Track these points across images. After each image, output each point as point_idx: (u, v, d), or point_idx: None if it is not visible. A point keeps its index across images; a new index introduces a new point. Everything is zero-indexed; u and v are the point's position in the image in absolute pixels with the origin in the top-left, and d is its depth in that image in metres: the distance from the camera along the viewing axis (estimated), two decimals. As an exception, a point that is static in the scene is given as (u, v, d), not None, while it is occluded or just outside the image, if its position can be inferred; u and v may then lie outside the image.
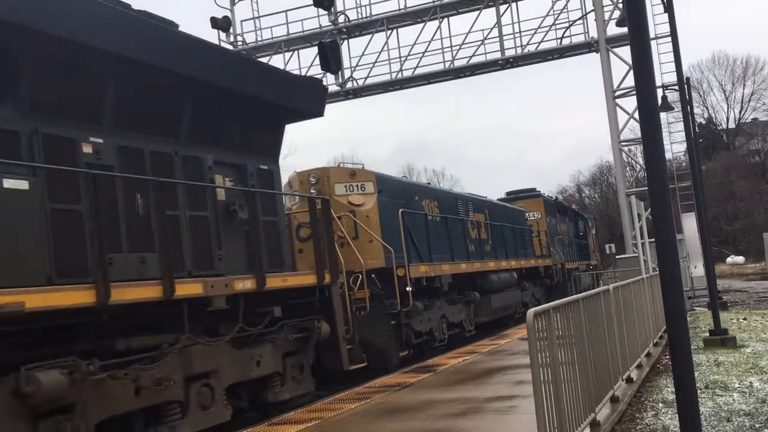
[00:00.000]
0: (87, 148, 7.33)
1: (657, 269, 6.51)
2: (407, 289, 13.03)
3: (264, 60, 27.69)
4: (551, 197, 31.11)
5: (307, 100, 10.93)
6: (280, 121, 10.68)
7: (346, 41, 27.26)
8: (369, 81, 26.97)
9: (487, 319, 17.64)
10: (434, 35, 26.20)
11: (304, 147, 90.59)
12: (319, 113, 11.31)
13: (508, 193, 28.02)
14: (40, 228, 6.58)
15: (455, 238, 16.60)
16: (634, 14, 5.19)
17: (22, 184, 6.42)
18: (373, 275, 12.51)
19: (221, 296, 8.25)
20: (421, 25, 26.36)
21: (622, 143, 24.99)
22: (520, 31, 25.55)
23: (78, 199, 7.04)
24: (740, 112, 76.68)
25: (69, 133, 7.21)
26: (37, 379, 6.15)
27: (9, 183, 6.24)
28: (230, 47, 27.73)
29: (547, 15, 25.38)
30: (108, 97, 7.66)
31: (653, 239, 10.01)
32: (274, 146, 10.54)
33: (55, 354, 6.57)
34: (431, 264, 14.68)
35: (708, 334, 14.88)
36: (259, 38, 28.08)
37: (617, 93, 24.18)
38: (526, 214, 24.24)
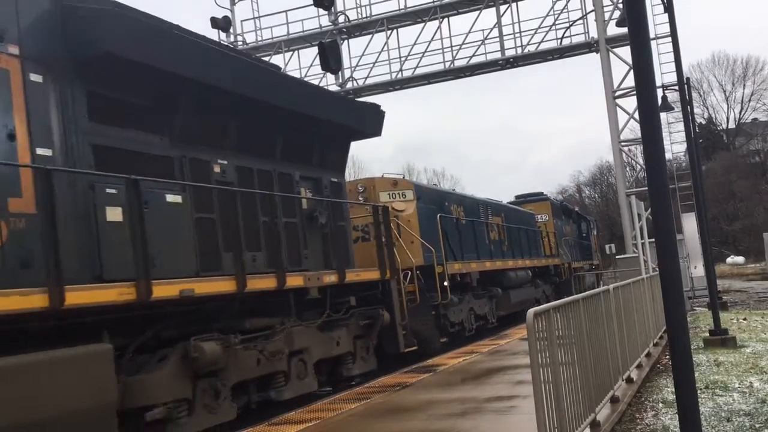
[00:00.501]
0: (216, 168, 9.20)
1: (657, 269, 6.51)
2: (445, 284, 14.77)
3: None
4: (557, 201, 32.92)
5: (369, 122, 12.90)
6: (347, 141, 12.55)
7: (346, 41, 27.29)
8: (369, 81, 27.01)
9: (505, 313, 19.26)
10: (434, 35, 26.26)
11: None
12: (378, 133, 13.22)
13: (517, 197, 29.52)
14: (189, 232, 8.33)
15: (479, 239, 18.30)
16: (634, 14, 5.19)
17: (177, 198, 8.19)
18: (417, 272, 14.02)
19: (315, 287, 10.19)
20: (421, 25, 26.40)
21: (622, 143, 25.02)
22: (520, 31, 25.61)
23: (212, 209, 8.83)
24: (740, 112, 76.76)
25: (205, 156, 9.02)
26: (202, 348, 7.94)
27: (170, 198, 8.08)
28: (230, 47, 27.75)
29: (547, 15, 25.42)
30: (230, 128, 9.50)
31: (653, 239, 10.01)
32: (342, 162, 12.52)
33: (199, 330, 8.16)
34: (463, 262, 16.47)
35: (708, 334, 14.88)
36: (259, 38, 28.12)
37: (617, 93, 24.21)
38: (536, 217, 25.52)
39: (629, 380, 9.37)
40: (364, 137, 13.29)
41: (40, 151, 6.85)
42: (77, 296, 6.43)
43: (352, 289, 11.42)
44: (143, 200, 7.43)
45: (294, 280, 9.68)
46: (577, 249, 31.32)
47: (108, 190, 7.31)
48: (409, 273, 13.62)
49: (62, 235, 6.51)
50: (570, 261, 28.00)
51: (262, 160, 10.09)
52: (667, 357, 11.15)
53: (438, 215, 15.72)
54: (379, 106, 13.33)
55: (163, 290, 7.40)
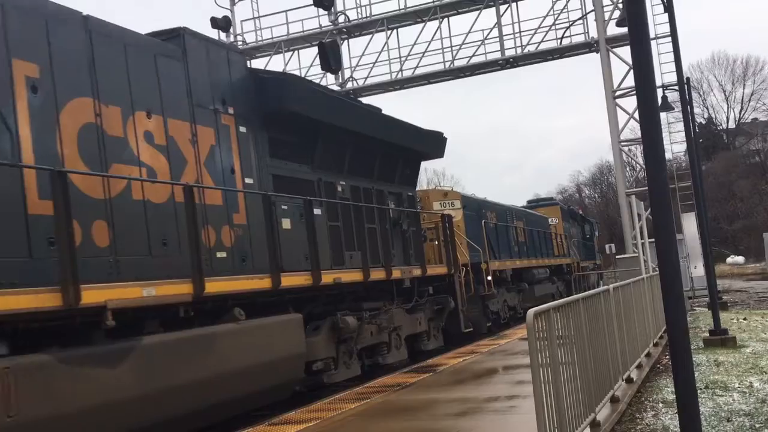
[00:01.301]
0: (339, 188, 12.06)
1: (657, 269, 6.51)
2: (488, 278, 17.65)
3: (264, 60, 27.79)
4: (565, 205, 36.35)
5: (435, 147, 15.85)
6: (419, 162, 15.63)
7: (346, 41, 27.29)
8: (369, 81, 27.01)
9: (530, 305, 20.13)
10: (434, 35, 26.26)
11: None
12: (441, 156, 16.25)
13: (529, 202, 32.77)
14: (326, 236, 11.05)
15: (510, 241, 21.25)
16: (634, 14, 5.19)
17: (319, 211, 10.95)
18: (468, 268, 16.53)
19: (407, 279, 13.17)
20: (421, 25, 26.39)
21: (622, 143, 25.02)
22: (520, 31, 25.61)
23: (338, 219, 11.63)
24: (740, 112, 76.74)
25: (332, 179, 11.87)
26: (346, 320, 10.98)
27: (317, 211, 10.80)
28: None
29: (547, 15, 25.42)
30: (346, 157, 12.32)
31: (653, 239, 10.00)
32: (415, 179, 15.66)
33: (334, 309, 11.06)
34: (500, 261, 19.39)
35: (708, 334, 14.88)
36: (259, 38, 28.12)
37: (617, 93, 24.21)
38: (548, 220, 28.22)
39: (629, 380, 9.37)
40: (431, 159, 16.31)
41: (247, 180, 9.75)
42: (286, 281, 9.49)
43: (428, 281, 14.33)
44: (301, 213, 10.41)
45: (396, 273, 12.65)
46: (582, 249, 33.57)
47: (282, 207, 10.15)
48: (463, 269, 16.05)
49: (259, 238, 9.39)
50: (579, 260, 30.70)
51: (365, 180, 13.00)
52: (667, 357, 11.15)
53: (482, 221, 18.68)
54: (442, 134, 15.98)
55: (326, 278, 10.45)
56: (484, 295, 17.54)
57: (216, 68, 9.47)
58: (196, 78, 9.07)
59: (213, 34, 26.60)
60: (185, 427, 7.85)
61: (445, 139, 16.08)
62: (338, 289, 11.13)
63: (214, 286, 8.22)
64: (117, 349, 6.91)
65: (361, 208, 12.30)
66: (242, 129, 9.72)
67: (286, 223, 10.11)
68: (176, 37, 8.97)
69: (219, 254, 8.81)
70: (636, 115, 15.61)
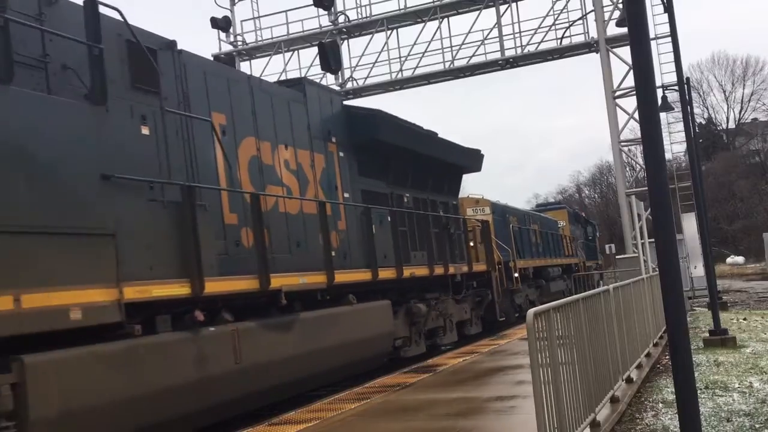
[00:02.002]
0: (405, 199, 14.57)
1: (657, 269, 6.51)
2: (515, 275, 20.10)
3: (264, 60, 27.79)
4: (571, 208, 38.59)
5: (474, 162, 18.58)
6: (461, 175, 18.26)
7: (346, 41, 27.28)
8: (369, 81, 27.00)
9: (546, 300, 24.17)
10: (434, 35, 26.25)
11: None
12: (478, 170, 18.84)
13: (538, 205, 35.81)
14: (394, 240, 13.08)
15: (530, 242, 23.73)
16: (634, 14, 5.19)
17: (387, 219, 13.10)
18: (500, 266, 18.76)
19: (458, 274, 15.63)
20: (421, 25, 26.38)
21: (622, 143, 25.00)
22: (520, 32, 25.59)
23: (405, 224, 13.92)
24: (740, 112, 76.74)
25: (400, 192, 14.40)
26: (418, 306, 13.62)
27: (388, 219, 13.13)
28: (230, 47, 27.78)
29: (547, 15, 25.41)
30: (410, 173, 14.86)
31: (653, 239, 10.00)
32: (458, 190, 18.25)
33: (405, 298, 13.54)
34: (524, 260, 21.89)
35: (708, 334, 14.87)
36: (259, 38, 28.11)
37: (617, 93, 24.19)
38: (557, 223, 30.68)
39: (629, 380, 9.37)
40: (471, 172, 18.94)
41: (345, 194, 12.25)
42: (382, 274, 12.19)
43: (472, 276, 16.75)
44: (381, 220, 12.72)
45: (451, 269, 15.24)
46: (585, 250, 35.96)
47: (372, 215, 12.45)
48: (498, 266, 18.58)
49: (353, 240, 11.93)
50: (584, 260, 33.53)
51: (422, 192, 15.50)
52: (667, 357, 11.14)
53: (510, 225, 21.34)
54: (480, 151, 18.78)
55: (407, 272, 13.05)
56: (512, 289, 20.05)
57: (324, 107, 12.19)
58: (312, 116, 11.75)
59: (213, 34, 26.66)
60: (324, 381, 10.73)
61: (483, 155, 18.80)
62: (409, 281, 13.43)
63: (340, 277, 10.87)
64: (288, 320, 9.69)
65: (422, 215, 14.92)
66: (341, 154, 12.42)
67: (374, 228, 12.56)
68: (299, 84, 11.97)
69: (333, 254, 11.12)
70: (636, 115, 15.61)
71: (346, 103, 13.32)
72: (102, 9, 7.50)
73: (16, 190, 6.18)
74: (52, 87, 6.94)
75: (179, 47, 8.87)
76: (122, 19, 7.72)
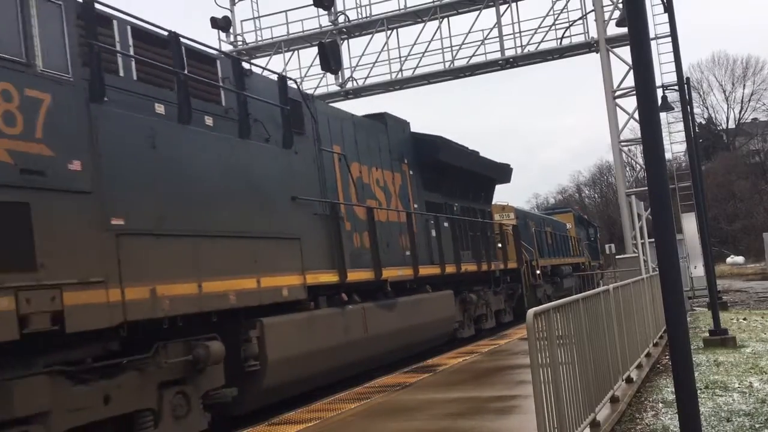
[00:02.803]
0: (455, 208, 17.14)
1: (657, 269, 6.51)
2: (537, 272, 23.43)
3: (264, 60, 27.74)
4: (577, 212, 42.04)
5: (504, 175, 21.26)
6: (493, 186, 20.98)
7: (346, 41, 27.25)
8: (369, 81, 26.96)
9: (561, 295, 27.44)
10: (434, 35, 26.21)
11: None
12: (508, 181, 21.55)
13: (547, 209, 40.29)
14: (453, 242, 16.09)
15: (546, 243, 26.94)
16: (634, 14, 5.18)
17: (446, 224, 15.96)
18: (527, 264, 22.08)
19: (497, 270, 18.75)
20: (421, 25, 26.35)
21: (622, 143, 24.98)
22: (520, 31, 25.55)
23: (457, 229, 16.52)
24: (740, 112, 76.78)
25: (451, 202, 17.03)
26: (471, 296, 16.65)
27: (445, 225, 15.87)
28: (230, 47, 27.77)
29: (547, 15, 25.37)
30: (457, 186, 17.54)
31: (653, 239, 10.00)
32: (491, 199, 21.01)
33: (460, 289, 16.43)
34: (544, 259, 25.29)
35: (708, 334, 14.87)
36: (259, 38, 28.09)
37: (617, 93, 24.17)
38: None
39: (629, 380, 9.37)
40: (501, 183, 21.47)
41: (415, 205, 14.81)
42: (447, 269, 15.41)
43: (506, 272, 19.76)
44: (443, 226, 15.77)
45: (493, 266, 18.38)
46: (589, 250, 39.11)
47: (430, 222, 15.22)
48: (525, 264, 21.57)
49: (420, 242, 14.38)
50: (590, 259, 36.93)
51: (465, 201, 18.12)
52: (667, 357, 11.15)
53: (533, 228, 24.68)
54: (509, 165, 21.59)
55: (464, 267, 16.33)
56: (535, 284, 23.02)
57: (399, 135, 14.92)
58: (391, 143, 14.48)
59: (213, 34, 26.62)
60: (411, 351, 13.81)
61: (512, 169, 21.63)
62: (461, 276, 16.34)
63: (422, 271, 14.11)
64: (393, 302, 12.82)
65: (468, 221, 17.62)
66: (411, 172, 15.08)
67: (433, 233, 15.27)
68: (381, 117, 14.51)
69: (407, 252, 13.86)
70: (636, 115, 15.60)
71: (413, 131, 15.81)
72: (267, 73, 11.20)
73: (253, 209, 9.29)
74: (252, 136, 9.72)
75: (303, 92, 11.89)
76: (289, 85, 10.93)
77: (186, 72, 8.44)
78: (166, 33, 8.49)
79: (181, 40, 8.58)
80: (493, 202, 22.11)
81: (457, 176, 17.21)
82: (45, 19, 6.86)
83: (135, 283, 7.21)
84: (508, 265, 19.75)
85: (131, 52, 8.05)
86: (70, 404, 6.50)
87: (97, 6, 7.49)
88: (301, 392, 10.12)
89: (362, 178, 12.84)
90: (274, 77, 10.78)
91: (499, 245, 19.67)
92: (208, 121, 8.90)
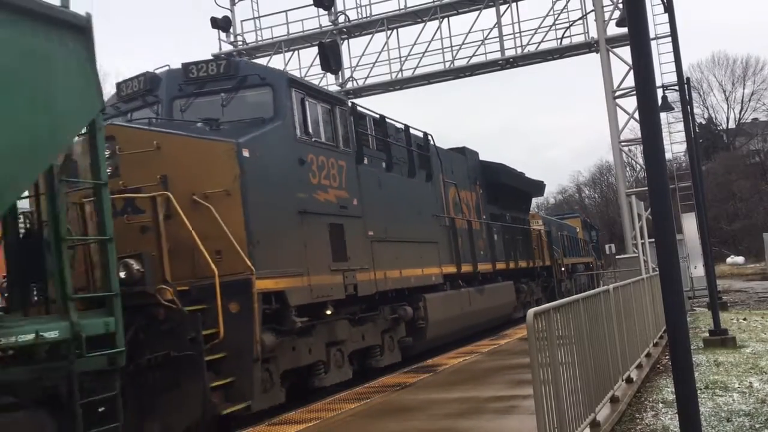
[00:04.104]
0: (507, 217, 20.49)
1: (657, 269, 6.51)
2: (563, 269, 27.12)
3: (264, 60, 27.73)
4: (582, 216, 46.70)
5: (539, 189, 25.78)
6: (531, 198, 25.33)
7: (346, 41, 27.25)
8: (369, 81, 26.95)
9: (577, 291, 29.13)
10: (434, 35, 26.18)
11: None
12: (542, 195, 28.81)
13: (557, 215, 42.87)
14: (509, 244, 19.97)
15: (564, 245, 30.26)
16: (634, 14, 5.19)
17: (503, 231, 19.65)
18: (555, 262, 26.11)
19: (537, 267, 22.65)
20: (421, 25, 26.33)
21: (622, 143, 24.96)
22: (520, 31, 25.53)
23: (506, 235, 19.78)
24: (740, 112, 76.66)
25: (505, 213, 20.45)
26: (522, 286, 20.74)
27: (495, 228, 19.01)
28: (230, 47, 27.77)
29: (547, 15, 25.36)
30: (509, 199, 20.84)
31: (653, 239, 10.00)
32: (529, 208, 24.72)
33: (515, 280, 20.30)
34: (566, 258, 29.08)
35: (708, 334, 14.87)
36: (259, 38, 28.07)
37: (617, 93, 24.15)
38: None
39: (629, 380, 9.37)
40: (536, 197, 27.65)
41: (483, 216, 18.23)
42: (511, 264, 19.74)
43: (542, 269, 23.69)
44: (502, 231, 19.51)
45: (537, 263, 22.66)
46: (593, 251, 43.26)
47: (494, 228, 18.81)
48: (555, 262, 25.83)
49: (488, 244, 18.11)
50: (595, 259, 40.47)
51: (513, 212, 21.52)
52: (667, 357, 11.14)
53: (558, 232, 29.51)
54: (543, 181, 25.84)
55: (520, 264, 20.49)
56: (560, 279, 26.36)
57: (472, 162, 18.76)
58: (468, 169, 18.18)
59: (213, 34, 26.58)
60: (487, 326, 17.36)
61: (545, 185, 26.29)
62: (515, 270, 19.94)
63: (498, 266, 18.36)
64: (482, 288, 16.94)
65: (517, 228, 21.33)
66: (480, 191, 18.69)
67: (496, 237, 18.89)
68: (461, 149, 18.36)
69: (481, 252, 17.36)
70: (636, 115, 15.61)
71: (481, 159, 19.65)
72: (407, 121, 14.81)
73: (418, 224, 13.95)
74: (413, 175, 14.31)
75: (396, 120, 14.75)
76: (421, 134, 15.36)
77: (389, 140, 13.56)
78: (377, 116, 13.37)
79: (387, 120, 13.73)
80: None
81: (509, 192, 20.94)
82: (340, 119, 11.54)
83: (378, 270, 11.93)
84: (546, 263, 24.46)
85: (371, 134, 13.01)
86: (353, 337, 11.43)
87: (359, 108, 12.55)
88: (443, 343, 14.60)
89: (458, 197, 16.74)
90: (420, 133, 15.31)
91: (535, 247, 23.27)
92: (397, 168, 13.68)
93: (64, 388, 6.14)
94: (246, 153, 9.07)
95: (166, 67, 10.76)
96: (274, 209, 9.46)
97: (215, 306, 8.14)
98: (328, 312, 10.61)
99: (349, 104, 12.09)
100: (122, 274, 7.53)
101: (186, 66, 10.46)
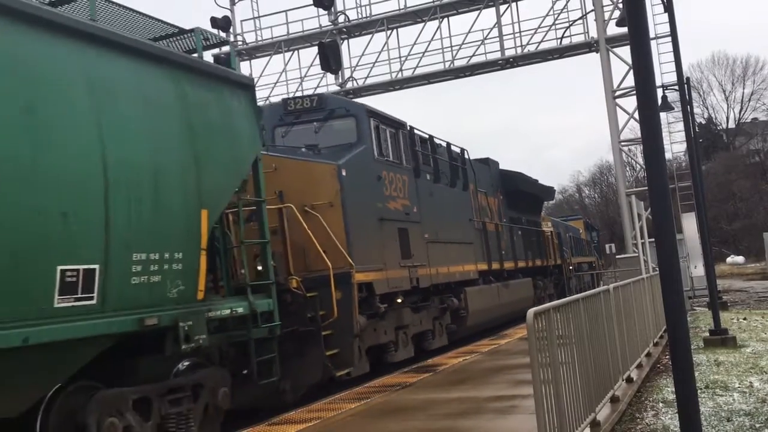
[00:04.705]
0: (523, 220, 22.38)
1: (657, 269, 6.51)
2: (571, 268, 29.22)
3: (264, 60, 27.79)
4: (585, 219, 48.92)
5: (550, 194, 28.44)
6: (542, 202, 27.25)
7: (346, 41, 27.25)
8: (369, 81, 26.95)
9: (581, 286, 31.99)
10: (434, 35, 26.20)
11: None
12: (552, 199, 33.75)
13: (561, 217, 43.34)
14: (527, 245, 22.40)
15: (571, 246, 32.20)
16: (634, 14, 5.19)
17: (520, 233, 21.80)
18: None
19: (550, 265, 25.02)
20: (421, 25, 26.34)
21: (622, 143, 24.97)
22: (520, 31, 25.55)
23: (526, 237, 22.30)
24: (740, 112, 76.62)
25: (521, 216, 22.31)
26: (538, 282, 22.75)
27: (519, 233, 21.94)
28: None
29: (547, 15, 25.37)
30: (524, 204, 22.70)
31: (653, 239, 10.00)
32: (541, 211, 26.54)
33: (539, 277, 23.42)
34: (575, 257, 31.66)
35: (708, 334, 14.88)
36: (259, 38, 28.08)
37: (617, 93, 24.16)
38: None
39: (629, 380, 9.37)
40: (547, 201, 29.03)
41: (504, 220, 20.23)
42: (530, 263, 22.27)
43: (554, 267, 25.73)
44: (520, 233, 21.74)
45: (549, 262, 24.72)
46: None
47: (515, 230, 21.04)
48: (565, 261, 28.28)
49: (509, 245, 20.45)
50: (597, 258, 42.76)
51: (528, 215, 23.19)
52: (667, 357, 11.14)
53: (565, 234, 30.69)
54: (553, 187, 29.44)
55: (537, 263, 23.12)
56: (568, 276, 28.33)
57: (495, 172, 20.80)
58: (491, 176, 20.17)
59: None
60: (510, 317, 18.72)
61: (555, 190, 30.59)
62: (532, 268, 21.96)
63: (520, 264, 20.60)
64: (508, 283, 18.93)
65: (533, 230, 23.29)
66: (501, 197, 20.54)
67: (514, 238, 20.81)
68: (486, 160, 20.48)
69: (503, 251, 19.04)
70: (636, 115, 15.61)
71: (501, 168, 21.74)
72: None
73: (458, 226, 16.23)
74: (454, 185, 16.67)
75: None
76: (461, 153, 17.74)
77: (436, 155, 15.81)
78: (427, 135, 15.57)
79: (433, 138, 15.93)
80: None
81: (525, 198, 22.71)
82: (402, 140, 13.95)
83: (432, 266, 14.10)
84: (558, 262, 26.70)
85: (423, 151, 15.17)
86: (414, 322, 13.60)
87: (416, 131, 14.80)
88: (478, 330, 16.84)
89: (486, 203, 18.81)
90: (457, 149, 17.33)
91: (547, 247, 25.19)
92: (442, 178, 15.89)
93: (238, 351, 8.65)
94: (344, 172, 11.48)
95: (267, 102, 13.00)
96: (363, 217, 11.84)
97: (324, 293, 10.44)
98: (399, 300, 12.94)
99: (408, 127, 14.35)
100: (259, 267, 9.49)
101: (285, 101, 13.33)
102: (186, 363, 7.88)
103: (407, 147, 14.07)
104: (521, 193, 22.09)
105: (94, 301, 6.46)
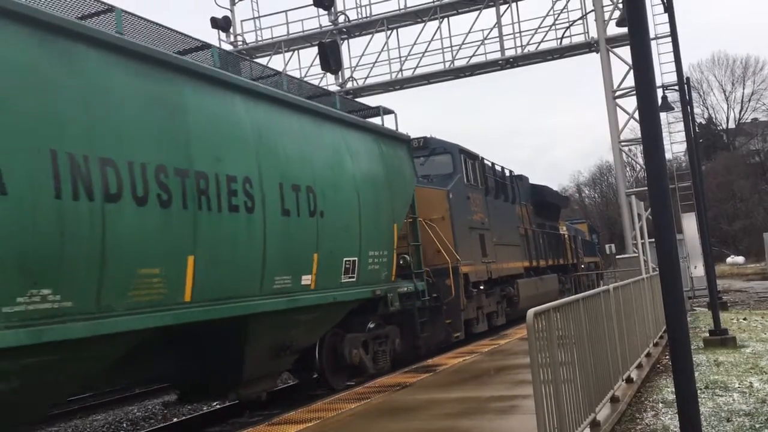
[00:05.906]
0: (546, 226, 25.88)
1: (657, 269, 6.51)
2: (582, 266, 32.49)
3: (264, 60, 27.78)
4: (588, 222, 51.63)
5: (566, 201, 36.75)
6: (560, 209, 29.72)
7: (346, 41, 27.28)
8: (369, 81, 26.99)
9: (589, 282, 35.54)
10: (434, 35, 26.25)
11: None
12: (567, 206, 38.57)
13: (567, 220, 47.37)
14: (551, 246, 25.91)
15: (582, 246, 35.24)
16: (634, 14, 5.19)
17: (545, 236, 24.98)
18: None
19: (568, 263, 28.75)
20: (421, 25, 26.38)
21: (622, 143, 24.99)
22: (520, 31, 25.60)
23: (546, 241, 25.27)
24: (740, 112, 76.70)
25: (545, 222, 25.83)
26: (562, 278, 26.60)
27: (545, 236, 25.11)
28: (230, 47, 27.77)
29: (547, 15, 25.40)
30: (546, 211, 26.48)
31: (653, 239, 10.00)
32: (558, 218, 28.96)
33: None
34: (586, 256, 35.36)
35: (708, 334, 14.87)
36: (259, 38, 28.11)
37: (617, 93, 24.17)
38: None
39: (629, 380, 9.37)
40: (563, 208, 31.26)
41: (534, 227, 23.82)
42: (552, 262, 25.51)
43: (572, 265, 29.13)
44: (545, 237, 25.28)
45: (569, 261, 28.36)
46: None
47: (542, 235, 24.43)
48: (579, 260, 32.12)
49: (542, 246, 24.53)
50: (600, 258, 45.92)
51: (550, 221, 26.25)
52: (667, 357, 11.14)
53: (578, 236, 34.11)
54: (568, 197, 47.27)
55: (559, 262, 26.79)
56: (582, 274, 31.99)
57: (526, 186, 23.74)
58: (521, 188, 22.65)
59: (213, 34, 26.59)
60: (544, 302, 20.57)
61: (569, 198, 40.80)
62: (554, 266, 24.76)
63: (549, 262, 24.34)
64: (542, 277, 22.99)
65: (554, 234, 26.27)
66: (530, 208, 23.27)
67: (541, 241, 23.65)
68: (520, 175, 23.33)
69: (535, 252, 22.08)
70: (636, 115, 15.61)
71: (531, 182, 24.83)
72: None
73: (510, 232, 20.46)
74: (504, 198, 20.29)
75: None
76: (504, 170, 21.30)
77: (495, 177, 19.58)
78: (490, 163, 19.26)
79: (485, 162, 18.86)
80: None
81: (548, 206, 26.25)
82: (478, 168, 17.94)
83: (499, 263, 18.13)
84: (574, 261, 30.13)
85: (488, 174, 18.89)
86: (487, 304, 17.36)
87: (484, 160, 18.58)
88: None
89: (524, 212, 22.23)
90: (506, 170, 21.02)
91: (565, 248, 28.38)
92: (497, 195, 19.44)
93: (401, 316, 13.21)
94: (451, 195, 15.89)
95: None
96: (461, 226, 16.15)
97: (439, 280, 14.79)
98: (481, 287, 16.87)
99: (480, 157, 18.37)
100: (401, 262, 13.29)
101: None
102: (372, 324, 12.33)
103: (481, 173, 18.32)
104: (546, 203, 25.96)
105: (355, 279, 11.15)
